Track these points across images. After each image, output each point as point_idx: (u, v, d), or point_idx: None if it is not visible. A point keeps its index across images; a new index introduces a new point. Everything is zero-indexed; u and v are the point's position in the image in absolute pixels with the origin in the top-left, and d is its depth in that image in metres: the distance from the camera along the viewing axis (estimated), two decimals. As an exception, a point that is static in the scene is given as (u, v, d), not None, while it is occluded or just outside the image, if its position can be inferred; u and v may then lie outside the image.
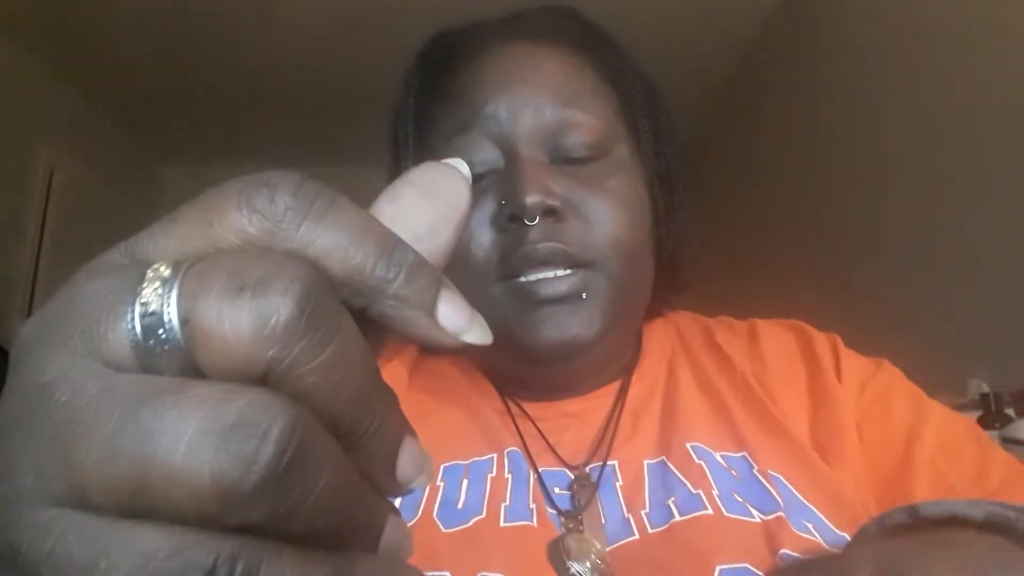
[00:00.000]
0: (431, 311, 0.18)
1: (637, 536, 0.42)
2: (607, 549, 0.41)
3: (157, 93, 2.91)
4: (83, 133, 2.94)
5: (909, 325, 1.66)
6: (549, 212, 0.46)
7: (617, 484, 0.45)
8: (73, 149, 2.85)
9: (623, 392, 0.52)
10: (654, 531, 0.41)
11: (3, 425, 0.16)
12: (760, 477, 0.44)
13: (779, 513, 0.41)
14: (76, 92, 2.83)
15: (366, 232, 0.17)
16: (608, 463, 0.47)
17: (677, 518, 0.41)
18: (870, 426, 0.49)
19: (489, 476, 0.45)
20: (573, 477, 0.47)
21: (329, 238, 0.17)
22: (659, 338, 0.57)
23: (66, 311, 0.17)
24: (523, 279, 0.46)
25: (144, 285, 0.16)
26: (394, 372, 0.53)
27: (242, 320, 0.15)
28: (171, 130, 3.23)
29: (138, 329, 0.16)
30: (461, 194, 0.20)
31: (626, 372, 0.54)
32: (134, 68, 2.71)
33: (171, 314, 0.15)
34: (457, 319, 0.18)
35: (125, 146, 3.23)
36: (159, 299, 0.16)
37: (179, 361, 0.16)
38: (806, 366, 0.52)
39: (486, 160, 0.49)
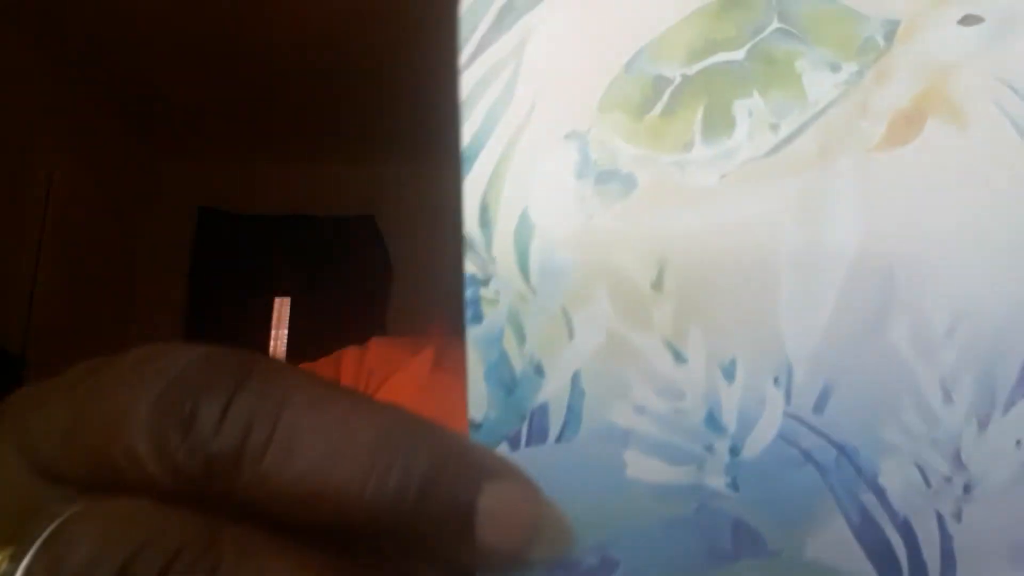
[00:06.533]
0: (461, 537, 0.12)
1: None
2: None
3: (158, 93, 2.91)
4: (83, 133, 2.94)
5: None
6: None
7: None
8: (73, 149, 2.85)
9: None
10: None
11: None
12: None
13: None
14: (76, 92, 2.83)
15: (341, 449, 0.12)
16: None
17: None
18: None
19: None
20: None
21: (288, 479, 0.12)
22: None
23: None
24: None
25: None
26: (416, 368, 0.52)
27: None
28: (171, 130, 3.22)
29: None
30: None
31: None
32: (135, 68, 2.71)
33: None
34: (507, 534, 0.12)
35: (125, 146, 3.22)
36: None
37: None
38: None
39: None
